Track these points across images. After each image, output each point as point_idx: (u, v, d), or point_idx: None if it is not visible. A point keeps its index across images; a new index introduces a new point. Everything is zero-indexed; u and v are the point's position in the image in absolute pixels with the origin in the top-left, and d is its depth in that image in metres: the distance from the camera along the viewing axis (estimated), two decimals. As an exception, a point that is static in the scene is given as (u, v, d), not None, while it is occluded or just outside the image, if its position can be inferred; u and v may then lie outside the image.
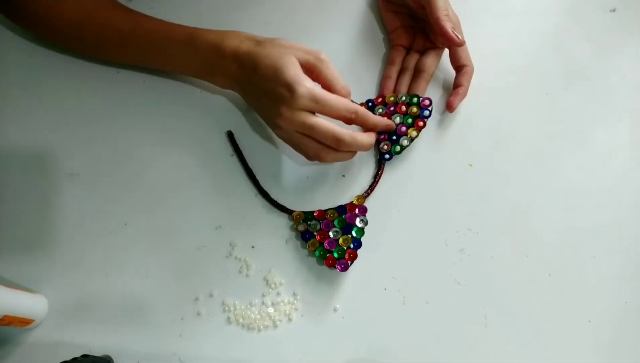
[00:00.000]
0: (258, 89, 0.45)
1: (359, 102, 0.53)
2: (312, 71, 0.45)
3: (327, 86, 0.45)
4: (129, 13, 0.50)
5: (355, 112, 0.45)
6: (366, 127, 0.48)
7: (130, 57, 0.52)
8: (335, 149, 0.45)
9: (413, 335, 0.46)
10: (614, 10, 0.60)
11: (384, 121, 0.49)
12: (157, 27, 0.49)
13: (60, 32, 0.51)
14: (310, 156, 0.46)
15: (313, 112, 0.43)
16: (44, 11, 0.49)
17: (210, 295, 0.47)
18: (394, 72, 0.54)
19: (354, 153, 0.48)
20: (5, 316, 0.41)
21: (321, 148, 0.45)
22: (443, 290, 0.47)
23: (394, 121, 0.51)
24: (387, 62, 0.55)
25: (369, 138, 0.47)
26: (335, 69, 0.46)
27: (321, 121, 0.43)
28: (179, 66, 0.50)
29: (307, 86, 0.42)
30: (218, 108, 0.54)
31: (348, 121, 0.45)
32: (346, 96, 0.46)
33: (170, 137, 0.52)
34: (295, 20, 0.58)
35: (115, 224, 0.49)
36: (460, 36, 0.49)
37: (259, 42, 0.46)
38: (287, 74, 0.42)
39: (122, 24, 0.49)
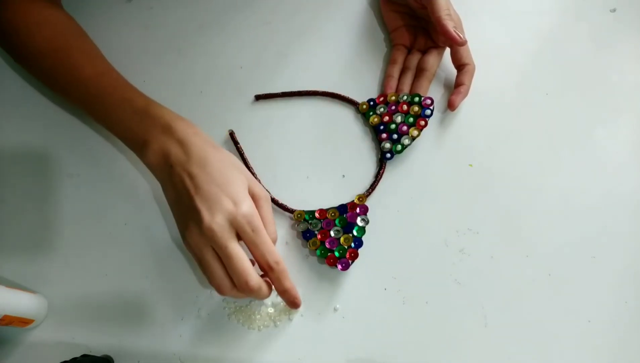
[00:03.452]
0: (195, 186, 0.39)
1: (360, 102, 0.53)
2: (253, 200, 0.41)
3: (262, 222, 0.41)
4: (95, 59, 0.48)
5: (277, 264, 0.40)
6: (277, 286, 0.41)
7: (75, 102, 0.48)
8: (236, 289, 0.40)
9: (413, 335, 0.46)
10: (614, 10, 0.60)
11: (295, 292, 0.42)
12: (119, 85, 0.46)
13: (22, 56, 0.49)
14: (211, 281, 0.40)
15: (238, 240, 0.39)
16: (14, 28, 0.48)
17: (211, 295, 0.47)
18: (396, 71, 0.54)
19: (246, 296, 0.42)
20: (5, 316, 0.41)
21: (224, 280, 0.39)
22: (443, 290, 0.47)
23: (394, 120, 0.51)
24: (389, 61, 0.55)
25: (268, 292, 0.42)
26: (272, 212, 0.43)
27: (242, 257, 0.39)
28: (118, 126, 0.45)
29: (252, 209, 0.39)
30: (219, 108, 0.53)
31: (267, 269, 0.40)
32: (273, 240, 0.42)
33: (170, 136, 0.52)
34: (295, 20, 0.58)
35: (115, 225, 0.49)
36: (462, 35, 0.49)
37: (213, 145, 0.42)
38: (237, 188, 0.40)
39: (86, 71, 0.47)
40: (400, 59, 0.54)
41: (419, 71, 0.53)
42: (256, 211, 0.40)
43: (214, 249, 0.39)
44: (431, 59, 0.53)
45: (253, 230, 0.39)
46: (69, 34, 0.50)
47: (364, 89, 0.55)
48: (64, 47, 0.48)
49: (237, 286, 0.39)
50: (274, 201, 0.49)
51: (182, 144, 0.41)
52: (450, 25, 0.48)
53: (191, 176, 0.40)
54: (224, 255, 0.38)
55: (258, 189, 0.43)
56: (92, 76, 0.47)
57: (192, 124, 0.44)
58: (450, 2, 0.50)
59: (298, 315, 0.46)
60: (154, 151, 0.42)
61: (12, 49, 0.50)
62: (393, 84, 0.53)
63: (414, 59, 0.54)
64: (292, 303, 0.43)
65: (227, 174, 0.40)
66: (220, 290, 0.40)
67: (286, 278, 0.41)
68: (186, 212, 0.40)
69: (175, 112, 0.44)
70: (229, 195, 0.39)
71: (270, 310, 0.46)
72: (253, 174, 0.50)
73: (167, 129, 0.42)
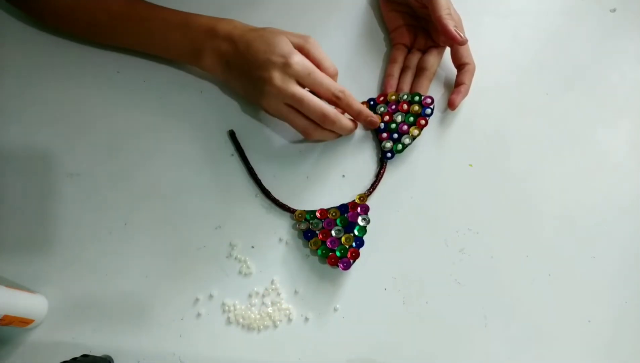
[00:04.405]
0: (249, 64, 0.46)
1: (360, 101, 0.53)
2: (301, 51, 0.47)
3: (316, 65, 0.47)
4: None
5: (343, 92, 0.47)
6: (350, 112, 0.49)
7: (121, 39, 0.52)
8: (321, 127, 0.47)
9: (413, 335, 0.46)
10: (614, 10, 0.60)
11: (367, 111, 0.50)
12: (150, 10, 0.50)
13: (53, 13, 0.51)
14: (297, 129, 0.48)
15: (303, 86, 0.46)
16: None
17: (211, 295, 0.47)
18: (396, 70, 0.54)
19: (336, 134, 0.50)
20: (5, 316, 0.41)
21: (308, 124, 0.47)
22: (443, 290, 0.47)
23: (395, 120, 0.51)
24: (389, 60, 0.55)
25: (351, 122, 0.49)
26: (323, 51, 0.48)
27: (310, 95, 0.45)
28: (167, 47, 0.51)
29: (301, 57, 0.46)
30: (219, 108, 0.53)
31: (335, 99, 0.47)
32: (333, 74, 0.49)
33: (170, 137, 0.52)
34: (296, 20, 0.58)
35: (115, 224, 0.49)
36: (462, 34, 0.49)
37: (252, 28, 0.48)
38: (282, 47, 0.45)
39: (114, 6, 0.49)
40: (400, 58, 0.54)
41: (419, 70, 0.53)
42: (306, 58, 0.46)
43: (287, 104, 0.45)
44: (431, 58, 0.53)
45: (309, 73, 0.45)
46: None
47: (364, 89, 0.55)
48: None
49: (318, 122, 0.46)
50: (274, 200, 0.49)
51: (228, 39, 0.47)
52: (450, 25, 0.48)
53: (244, 59, 0.46)
54: (294, 102, 0.45)
55: (302, 40, 0.48)
56: (120, 15, 0.49)
57: (229, 20, 0.49)
58: (450, 2, 0.50)
59: (298, 315, 0.46)
60: (209, 56, 0.48)
61: (40, 11, 0.52)
62: (393, 83, 0.53)
63: (414, 58, 0.54)
64: (370, 122, 0.50)
65: (269, 41, 0.46)
66: (307, 134, 0.48)
67: (355, 102, 0.48)
68: (253, 89, 0.47)
69: (209, 16, 0.49)
70: (277, 55, 0.45)
71: (270, 310, 0.46)
72: (252, 173, 0.50)
73: (212, 32, 0.48)
